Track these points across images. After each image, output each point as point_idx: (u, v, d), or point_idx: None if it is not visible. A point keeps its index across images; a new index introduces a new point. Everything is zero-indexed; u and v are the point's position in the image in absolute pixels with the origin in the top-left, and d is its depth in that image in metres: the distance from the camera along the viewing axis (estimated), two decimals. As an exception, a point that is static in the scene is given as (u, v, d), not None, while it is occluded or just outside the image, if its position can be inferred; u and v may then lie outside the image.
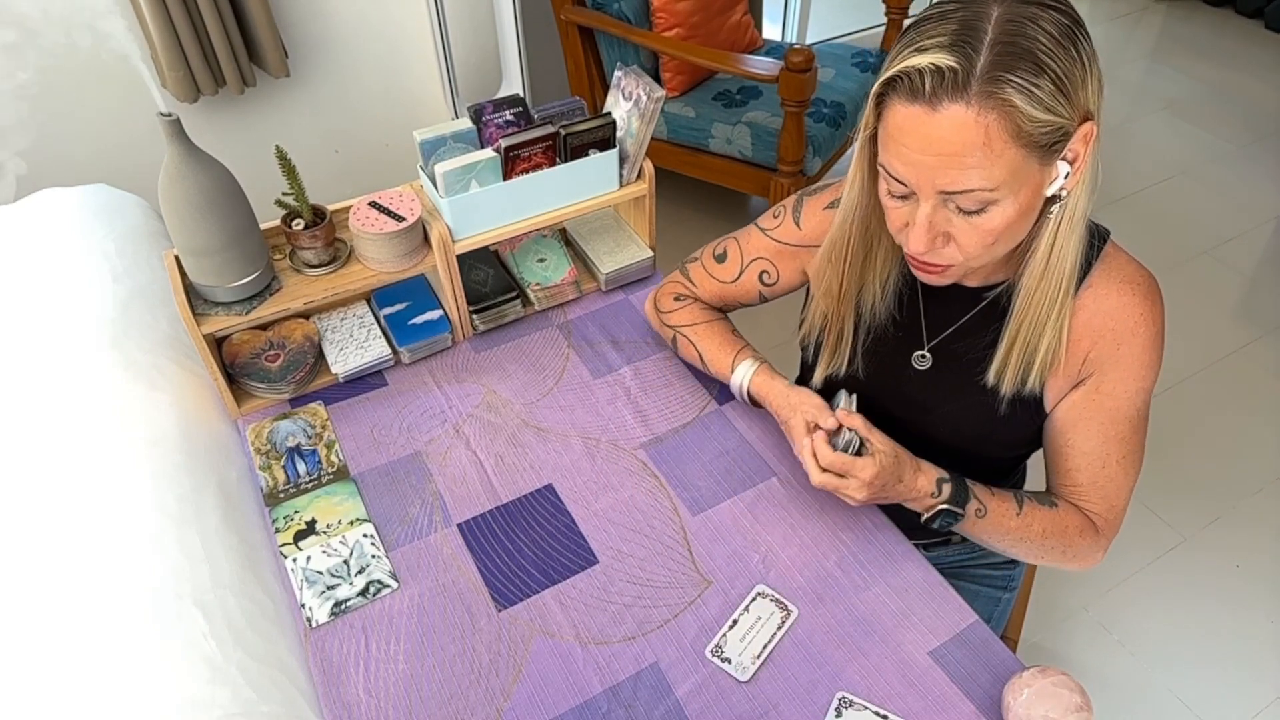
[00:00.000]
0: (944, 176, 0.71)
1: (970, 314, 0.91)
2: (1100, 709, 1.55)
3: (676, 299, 1.12)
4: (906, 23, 2.54)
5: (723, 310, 1.14)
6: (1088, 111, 0.71)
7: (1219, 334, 2.27)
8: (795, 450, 0.95)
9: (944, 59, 0.68)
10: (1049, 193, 0.75)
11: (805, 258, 1.02)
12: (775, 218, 1.04)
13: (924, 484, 0.90)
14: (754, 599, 0.91)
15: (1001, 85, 0.67)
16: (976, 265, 0.80)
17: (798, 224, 1.01)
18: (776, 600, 0.91)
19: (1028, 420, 0.92)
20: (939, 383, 0.95)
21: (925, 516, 0.92)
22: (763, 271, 1.05)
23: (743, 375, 1.04)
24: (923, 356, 0.95)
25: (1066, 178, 0.74)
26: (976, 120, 0.68)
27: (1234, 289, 2.43)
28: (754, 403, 1.05)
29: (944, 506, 0.90)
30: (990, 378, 0.89)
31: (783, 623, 0.89)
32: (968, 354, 0.92)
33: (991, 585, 1.17)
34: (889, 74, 0.71)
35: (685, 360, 1.12)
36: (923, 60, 0.68)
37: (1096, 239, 0.86)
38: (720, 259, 1.09)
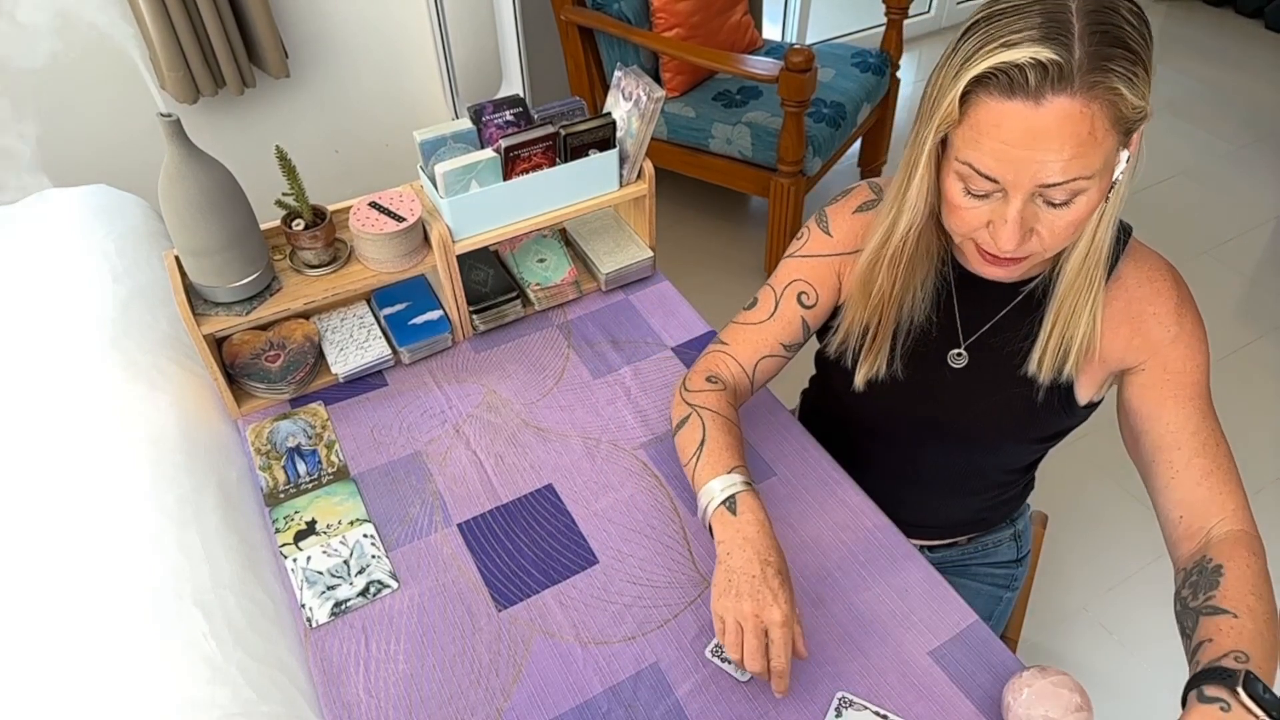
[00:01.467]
0: (1046, 170, 0.70)
1: (1006, 309, 0.91)
2: (1100, 709, 1.55)
3: (709, 379, 1.00)
4: (907, 22, 2.54)
5: (753, 390, 1.04)
6: None
7: (1219, 334, 2.27)
8: (743, 620, 0.80)
9: (1043, 52, 0.66)
10: (1113, 178, 0.75)
11: (841, 266, 0.98)
12: (800, 240, 1.01)
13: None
14: None
15: (1107, 74, 0.67)
16: (1050, 256, 0.80)
17: (828, 233, 0.98)
18: None
19: (1060, 412, 0.92)
20: (976, 379, 0.95)
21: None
22: (801, 293, 0.98)
23: (736, 483, 0.87)
24: (959, 355, 0.95)
25: (1125, 164, 0.75)
26: (1083, 112, 0.67)
27: (1234, 289, 2.43)
28: (711, 530, 0.88)
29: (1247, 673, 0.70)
30: (1031, 367, 0.89)
31: None
32: (1004, 348, 0.92)
33: (994, 584, 1.17)
34: (979, 70, 0.69)
35: (678, 448, 0.97)
36: (1019, 55, 0.67)
37: (1122, 232, 0.88)
38: (751, 306, 1.02)
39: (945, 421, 0.97)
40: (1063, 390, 0.91)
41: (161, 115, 0.94)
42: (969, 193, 0.76)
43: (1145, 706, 1.57)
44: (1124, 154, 0.74)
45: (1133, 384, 0.88)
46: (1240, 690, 0.69)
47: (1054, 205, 0.73)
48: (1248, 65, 3.45)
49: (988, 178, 0.73)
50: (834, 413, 1.11)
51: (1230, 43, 3.60)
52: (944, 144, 0.77)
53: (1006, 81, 0.68)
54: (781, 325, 0.99)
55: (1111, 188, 0.77)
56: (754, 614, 0.79)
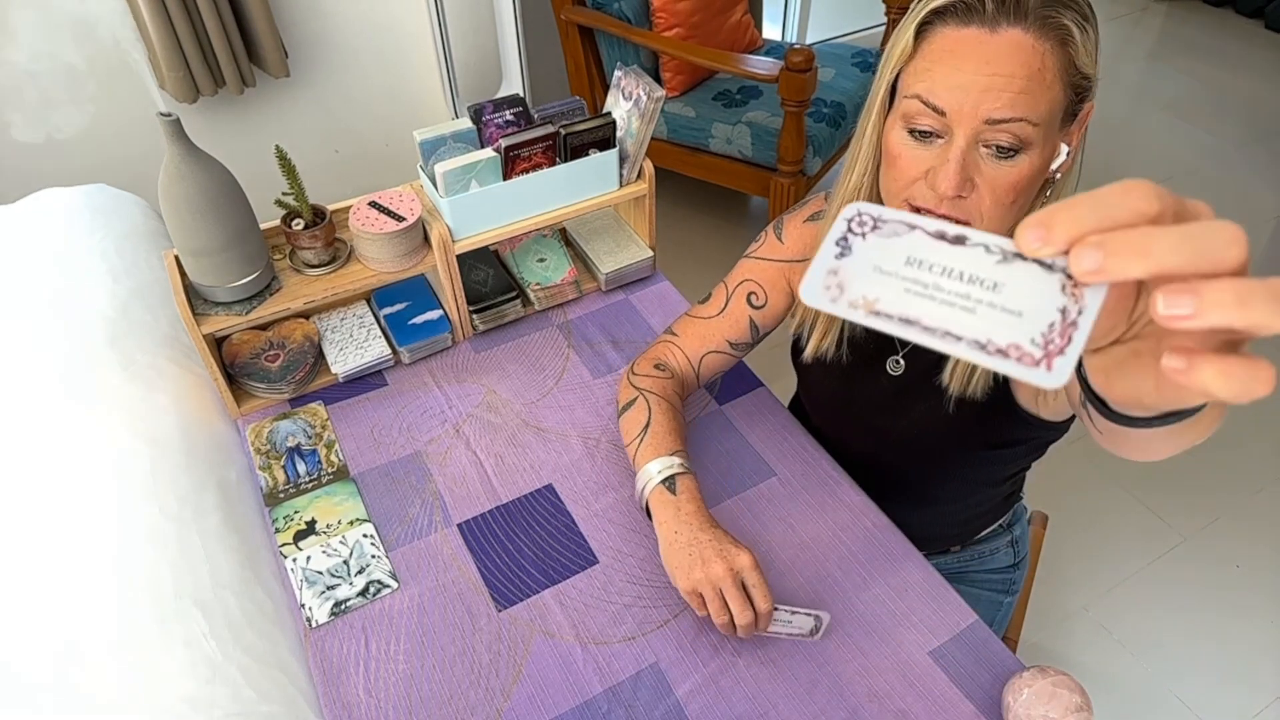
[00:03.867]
0: (994, 100, 0.69)
1: None
2: (1100, 709, 1.55)
3: (657, 366, 1.02)
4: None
5: (699, 383, 1.06)
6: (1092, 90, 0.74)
7: (1219, 334, 2.27)
8: (703, 598, 0.82)
9: None
10: (1052, 168, 0.76)
11: (790, 274, 1.00)
12: (757, 242, 1.03)
13: None
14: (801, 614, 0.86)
15: (1060, 14, 0.69)
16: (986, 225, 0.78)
17: (780, 239, 1.00)
18: (814, 616, 0.86)
19: (1004, 418, 0.89)
20: (911, 387, 0.95)
21: None
22: (750, 293, 1.00)
23: (675, 465, 0.90)
24: (897, 362, 0.95)
25: (1064, 158, 0.75)
26: (1035, 46, 0.69)
27: (1234, 289, 2.43)
28: (649, 512, 0.90)
29: None
30: (944, 377, 0.88)
31: (814, 631, 0.88)
32: (938, 356, 0.91)
33: (992, 589, 1.17)
34: (939, 3, 0.71)
35: (622, 430, 0.99)
36: None
37: None
38: (704, 301, 1.04)
39: (885, 429, 0.98)
40: (999, 397, 0.88)
41: (161, 115, 0.94)
42: (912, 134, 0.75)
43: (1145, 706, 1.57)
44: (1064, 147, 0.75)
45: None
46: None
47: (997, 156, 0.72)
48: (1248, 65, 3.45)
49: (935, 109, 0.72)
50: (810, 426, 1.12)
51: (1230, 43, 3.60)
52: (892, 99, 0.78)
53: (964, 9, 0.70)
54: (730, 323, 1.01)
55: (1049, 184, 0.77)
56: (727, 571, 0.80)
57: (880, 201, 0.84)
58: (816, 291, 0.38)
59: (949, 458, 0.98)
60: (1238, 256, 0.33)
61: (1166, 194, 0.33)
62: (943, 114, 0.72)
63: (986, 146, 0.72)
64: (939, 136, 0.73)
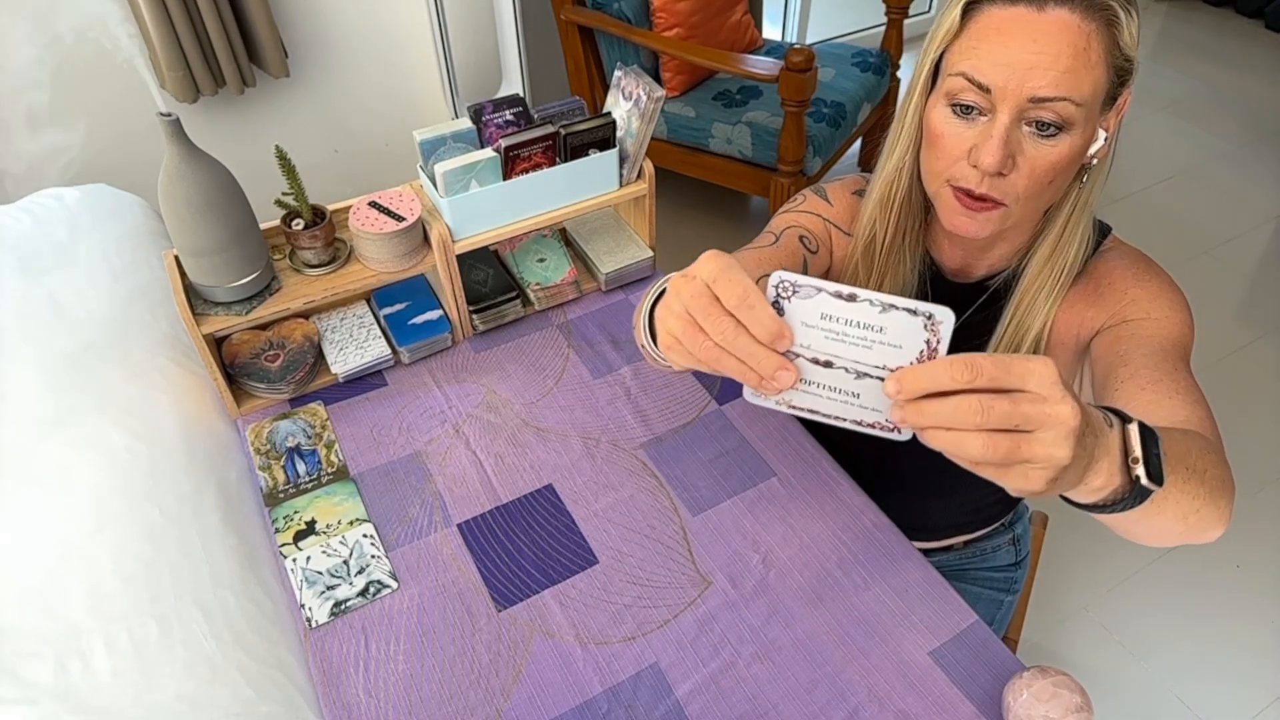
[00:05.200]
0: (1039, 78, 0.70)
1: (971, 309, 0.92)
2: (1100, 709, 1.55)
3: None
4: (907, 22, 2.54)
5: None
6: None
7: (1219, 334, 2.27)
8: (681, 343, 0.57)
9: None
10: (1089, 152, 0.76)
11: (835, 235, 0.96)
12: (795, 201, 0.99)
13: (1114, 435, 0.56)
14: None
15: None
16: (1020, 215, 0.78)
17: (827, 200, 0.98)
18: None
19: None
20: None
21: (1140, 457, 0.56)
22: (802, 235, 0.94)
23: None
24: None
25: (1101, 145, 0.76)
26: (1081, 25, 0.69)
27: (1234, 289, 2.43)
28: (651, 333, 0.74)
29: (1140, 422, 0.57)
30: None
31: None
32: (964, 346, 0.92)
33: (993, 588, 1.17)
34: None
35: (637, 312, 0.83)
36: None
37: (1097, 233, 0.88)
38: (749, 245, 0.94)
39: None
40: None
41: (161, 115, 0.94)
42: (955, 112, 0.75)
43: (1145, 707, 1.57)
44: (1102, 133, 0.75)
45: (1097, 343, 0.84)
46: (1133, 426, 0.56)
47: (1040, 135, 0.72)
48: (1248, 65, 3.45)
49: (981, 86, 0.72)
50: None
51: (1231, 43, 3.60)
52: (935, 78, 0.78)
53: None
54: (786, 254, 0.92)
55: (1085, 170, 0.78)
56: (701, 287, 0.54)
57: (920, 183, 0.85)
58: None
59: None
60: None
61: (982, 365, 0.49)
62: (988, 91, 0.72)
63: (1029, 124, 0.72)
64: (982, 114, 0.74)
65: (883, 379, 0.53)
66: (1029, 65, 0.70)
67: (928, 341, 0.52)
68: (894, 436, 0.54)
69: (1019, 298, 0.86)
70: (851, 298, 0.53)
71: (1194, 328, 0.83)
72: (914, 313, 0.52)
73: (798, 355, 0.55)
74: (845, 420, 0.56)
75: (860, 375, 0.54)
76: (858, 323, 0.53)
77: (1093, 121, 0.74)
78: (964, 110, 0.75)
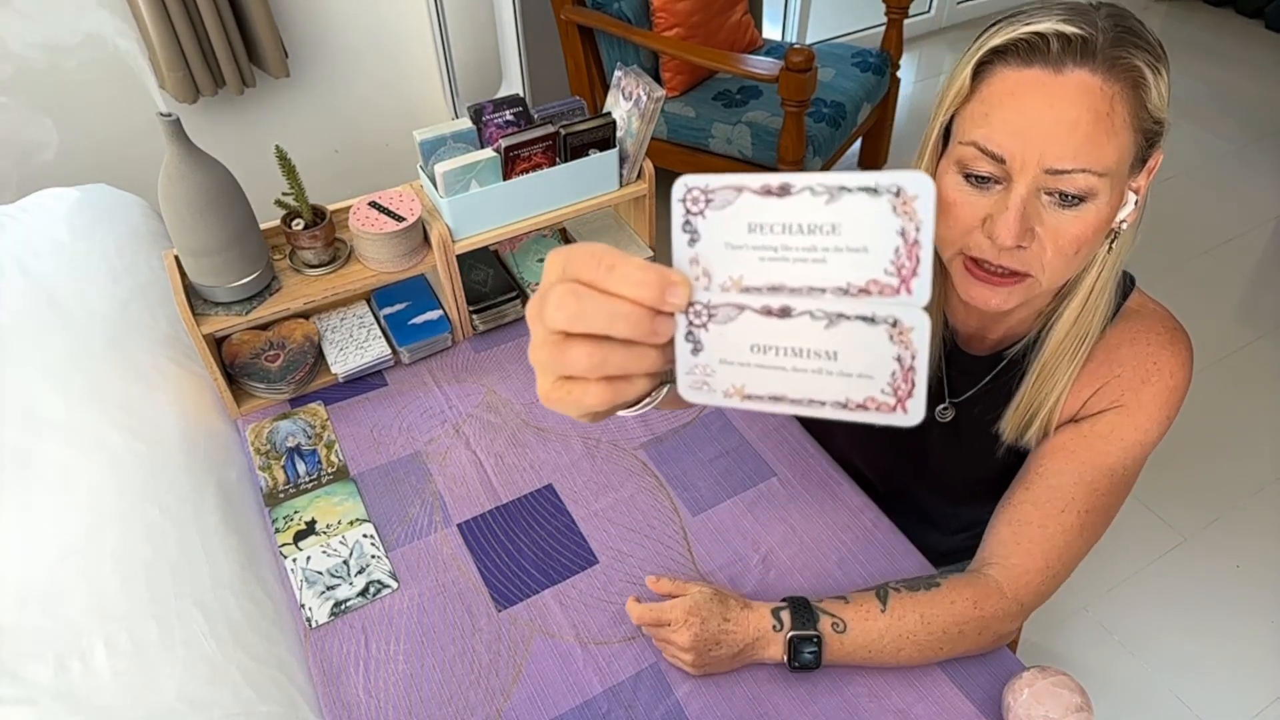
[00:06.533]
0: (1057, 148, 0.64)
1: (989, 377, 0.87)
2: (1100, 709, 1.55)
3: None
4: (907, 22, 2.54)
5: None
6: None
7: (1219, 334, 2.27)
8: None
9: (1067, 27, 0.64)
10: (1119, 218, 0.71)
11: None
12: None
13: (758, 620, 0.81)
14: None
15: (1131, 54, 0.64)
16: (1046, 286, 0.72)
17: None
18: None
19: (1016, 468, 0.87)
20: (958, 434, 0.91)
21: (786, 659, 0.81)
22: None
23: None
24: (945, 409, 0.91)
25: (1131, 208, 0.71)
26: (1103, 88, 0.63)
27: (1234, 289, 2.43)
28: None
29: (792, 635, 0.80)
30: (1002, 427, 0.84)
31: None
32: (985, 415, 0.88)
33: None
34: (998, 42, 0.66)
35: None
36: (1044, 26, 0.64)
37: (1120, 293, 0.82)
38: None
39: (928, 470, 0.96)
40: (1022, 453, 0.86)
41: (161, 115, 0.94)
42: (968, 179, 0.69)
43: (1146, 707, 1.57)
44: (1129, 195, 0.70)
45: (1056, 433, 0.82)
46: (788, 616, 0.81)
47: (1063, 205, 0.66)
48: (1248, 65, 3.45)
49: (994, 156, 0.66)
50: (831, 450, 1.09)
51: (1231, 42, 3.60)
52: (946, 141, 0.73)
53: (1026, 49, 0.65)
54: None
55: (1114, 236, 0.72)
56: (558, 289, 0.39)
57: (935, 252, 0.79)
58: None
59: (988, 494, 0.92)
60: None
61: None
62: (1002, 161, 0.66)
63: (1049, 194, 0.66)
64: (997, 182, 0.68)
65: (864, 316, 0.36)
66: (1045, 134, 0.64)
67: (902, 231, 0.35)
68: (896, 419, 0.37)
69: (1039, 369, 0.79)
70: (785, 189, 0.36)
71: (1169, 426, 0.79)
72: (874, 191, 0.35)
73: (740, 310, 0.38)
74: (824, 403, 0.38)
75: (832, 321, 0.37)
76: (801, 225, 0.36)
77: (1120, 187, 0.68)
78: (978, 180, 0.69)
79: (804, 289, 0.37)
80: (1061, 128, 0.64)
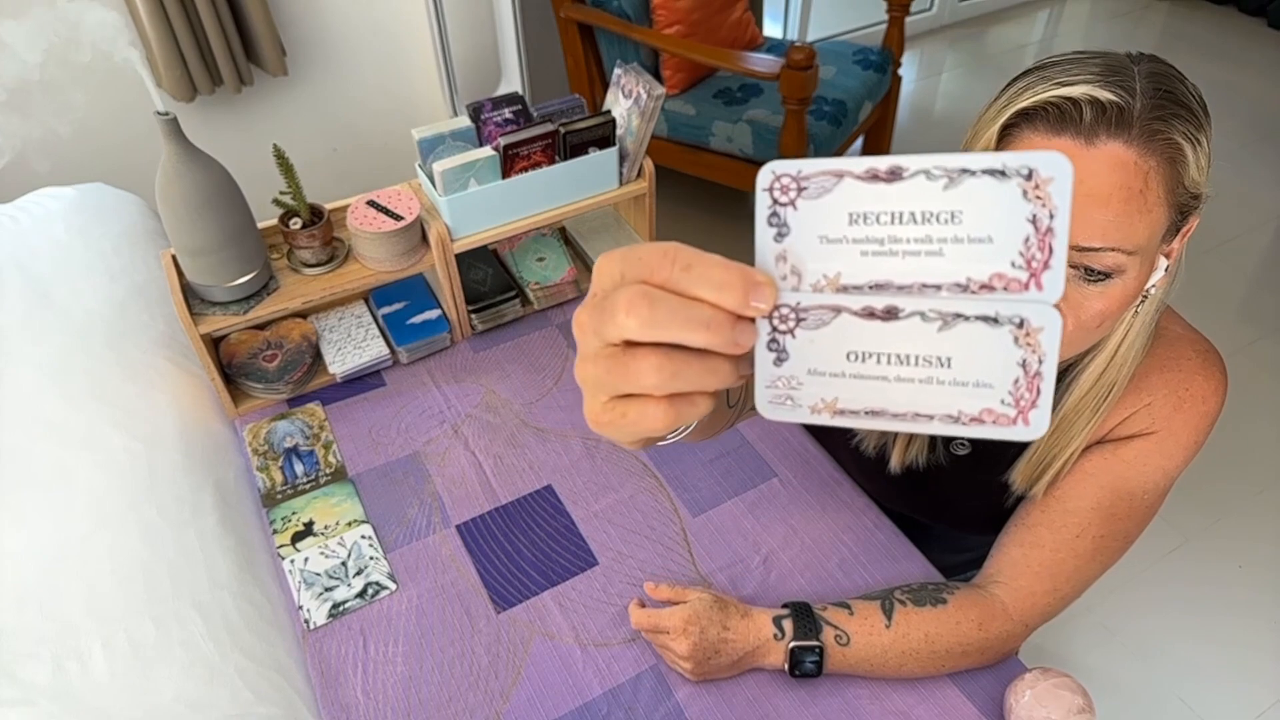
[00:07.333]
0: (1086, 225, 0.60)
1: None
2: (1102, 710, 1.54)
3: None
4: (909, 20, 2.53)
5: None
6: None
7: (1220, 334, 2.25)
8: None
9: (1101, 92, 0.59)
10: (1148, 284, 0.68)
11: None
12: None
13: (758, 628, 0.81)
14: None
15: (1169, 125, 0.59)
16: (1065, 356, 0.69)
17: None
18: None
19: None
20: (976, 467, 0.89)
21: (787, 667, 0.81)
22: None
23: None
24: (962, 443, 0.88)
25: (1161, 274, 0.68)
26: (1138, 163, 0.59)
27: (1236, 288, 2.42)
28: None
29: (794, 645, 0.80)
30: (1013, 476, 0.82)
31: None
32: (1002, 453, 0.85)
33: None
34: (1027, 103, 0.61)
35: None
36: (1077, 91, 0.60)
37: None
38: None
39: (943, 501, 0.94)
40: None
41: (158, 114, 0.94)
42: None
43: (1147, 708, 1.56)
44: (1163, 261, 0.67)
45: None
46: (790, 625, 0.80)
47: (1085, 279, 0.63)
48: (1250, 64, 3.44)
49: None
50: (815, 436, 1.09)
51: (1233, 41, 3.59)
52: None
53: (1056, 115, 0.60)
54: None
55: (1144, 299, 0.69)
56: (623, 291, 0.33)
57: None
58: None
59: (1000, 526, 0.90)
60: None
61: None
62: None
63: (1074, 268, 0.63)
64: None
65: (985, 316, 0.32)
66: (1074, 209, 0.60)
67: (1034, 217, 0.31)
68: (1016, 432, 0.33)
69: (1058, 420, 0.76)
70: (895, 173, 0.31)
71: (1198, 451, 0.76)
72: (1001, 173, 0.30)
73: (836, 312, 0.33)
74: (932, 416, 0.33)
75: (947, 323, 0.32)
76: (914, 214, 0.32)
77: (1150, 259, 0.64)
78: None
79: (914, 286, 0.32)
80: (1091, 204, 0.60)
